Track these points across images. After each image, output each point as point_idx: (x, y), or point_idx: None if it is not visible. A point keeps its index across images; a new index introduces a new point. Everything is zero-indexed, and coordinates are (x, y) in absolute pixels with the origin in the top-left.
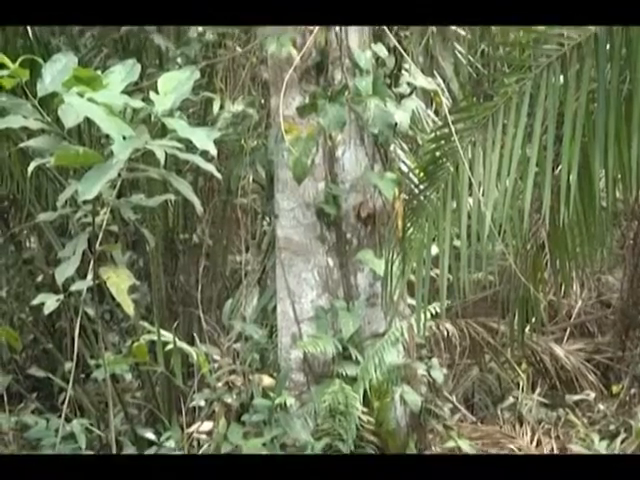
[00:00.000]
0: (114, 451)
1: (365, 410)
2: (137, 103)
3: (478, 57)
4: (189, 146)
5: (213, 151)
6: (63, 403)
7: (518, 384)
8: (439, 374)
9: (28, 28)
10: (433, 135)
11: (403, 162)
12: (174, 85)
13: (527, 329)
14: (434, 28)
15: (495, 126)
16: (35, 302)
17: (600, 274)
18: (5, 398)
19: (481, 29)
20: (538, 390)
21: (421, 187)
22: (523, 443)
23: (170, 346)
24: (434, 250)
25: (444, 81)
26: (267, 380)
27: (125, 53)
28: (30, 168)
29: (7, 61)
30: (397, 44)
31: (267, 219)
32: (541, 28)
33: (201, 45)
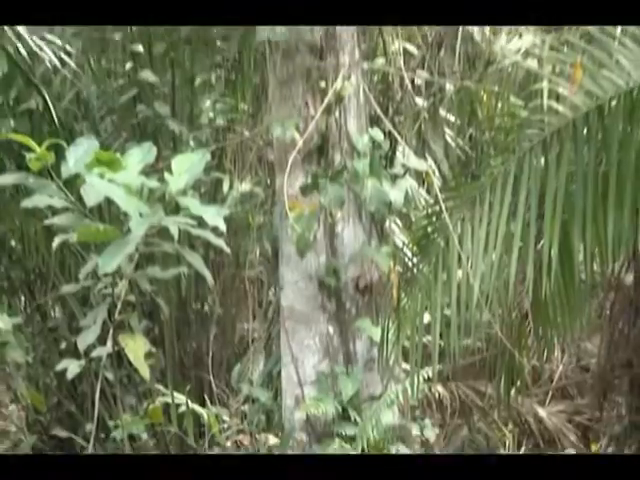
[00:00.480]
0: None
1: None
2: (153, 183)
3: (466, 140)
4: (201, 222)
5: (223, 227)
6: None
7: (504, 443)
8: (431, 434)
9: (54, 115)
10: (425, 212)
11: (398, 237)
12: (187, 166)
13: (512, 392)
14: (426, 114)
15: (482, 204)
16: (59, 367)
17: (580, 341)
18: None
19: (469, 115)
20: (523, 449)
21: (414, 260)
22: None
23: (183, 408)
24: (426, 318)
25: (435, 162)
26: (272, 439)
27: (142, 137)
28: (55, 244)
29: (34, 145)
30: (392, 128)
31: (273, 290)
32: (523, 114)
33: (212, 129)
